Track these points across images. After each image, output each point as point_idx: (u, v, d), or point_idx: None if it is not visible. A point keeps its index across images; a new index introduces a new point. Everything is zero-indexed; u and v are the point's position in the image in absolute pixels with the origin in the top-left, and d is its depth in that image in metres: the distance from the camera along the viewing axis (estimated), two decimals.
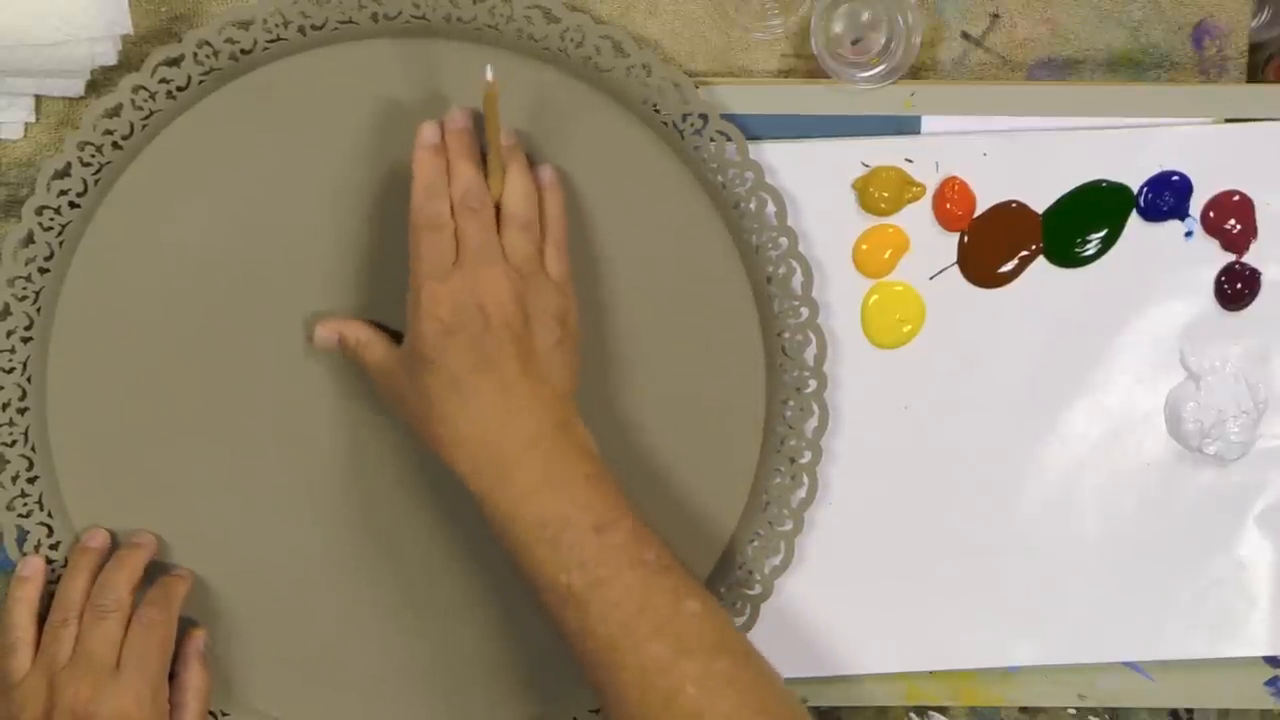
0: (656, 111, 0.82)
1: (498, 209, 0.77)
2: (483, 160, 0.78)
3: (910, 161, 0.84)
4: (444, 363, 0.74)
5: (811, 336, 0.83)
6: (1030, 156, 0.84)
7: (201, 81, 0.81)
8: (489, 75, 0.74)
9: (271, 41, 0.81)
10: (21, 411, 0.82)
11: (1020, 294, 0.85)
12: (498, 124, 0.76)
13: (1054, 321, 0.85)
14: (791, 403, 0.83)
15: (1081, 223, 0.85)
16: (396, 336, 0.79)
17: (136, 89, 0.81)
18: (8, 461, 0.82)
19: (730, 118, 0.83)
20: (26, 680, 0.77)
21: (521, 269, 0.75)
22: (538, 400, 0.74)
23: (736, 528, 0.84)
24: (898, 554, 0.85)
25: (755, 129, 0.83)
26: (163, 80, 0.81)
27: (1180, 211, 0.85)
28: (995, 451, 0.86)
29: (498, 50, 0.82)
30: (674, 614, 0.71)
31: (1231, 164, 0.85)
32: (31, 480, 0.82)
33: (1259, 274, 0.85)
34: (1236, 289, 0.85)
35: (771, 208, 0.82)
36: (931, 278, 0.85)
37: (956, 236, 0.85)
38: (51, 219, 0.81)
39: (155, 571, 0.81)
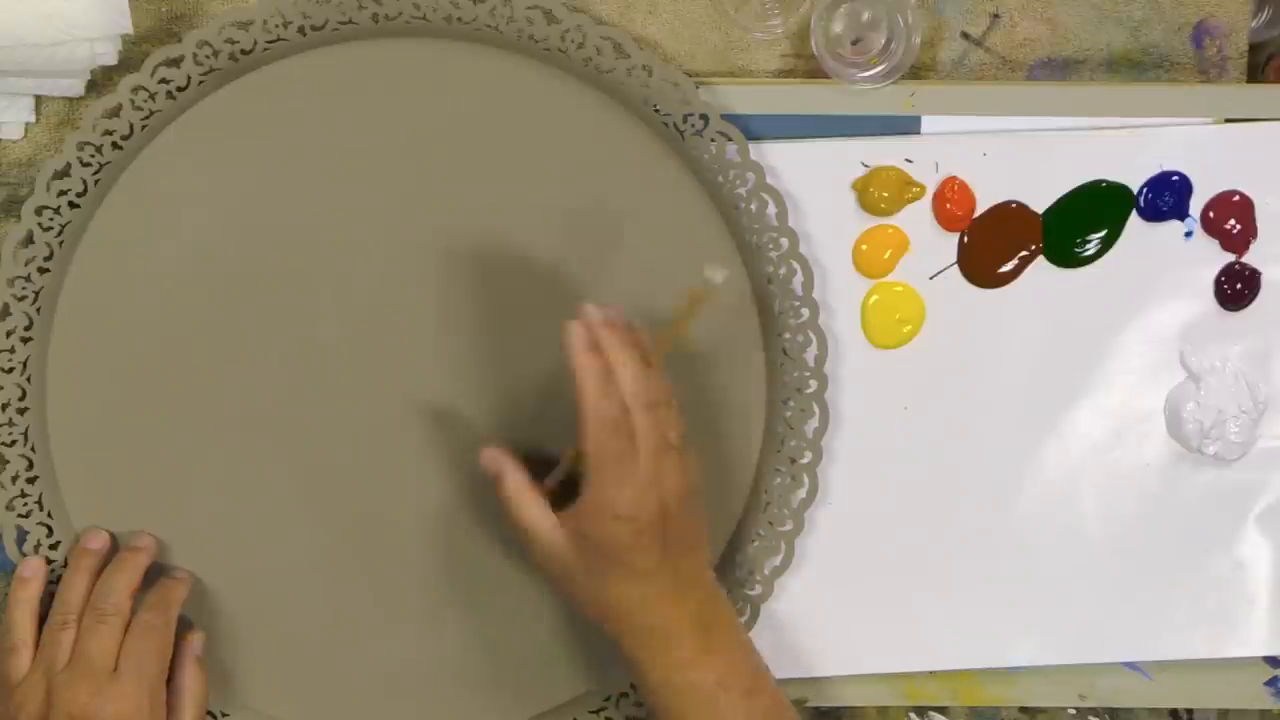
0: (657, 112, 0.82)
1: None
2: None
3: (910, 161, 0.84)
4: (631, 562, 0.74)
5: (812, 337, 0.83)
6: (1030, 156, 0.84)
7: (201, 82, 0.81)
8: (719, 278, 0.74)
9: (271, 41, 0.81)
10: (21, 411, 0.82)
11: (1020, 294, 0.85)
12: (691, 323, 0.76)
13: (1054, 321, 0.85)
14: (792, 403, 0.83)
15: (1081, 223, 0.85)
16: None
17: (136, 89, 0.81)
18: (7, 461, 0.82)
19: (731, 118, 0.82)
20: (25, 682, 0.77)
21: (682, 450, 0.75)
22: (697, 575, 0.77)
23: (736, 528, 0.84)
24: (898, 554, 0.85)
25: (756, 129, 0.83)
26: (163, 80, 0.81)
27: (1180, 211, 0.85)
28: (995, 451, 0.86)
29: (499, 51, 0.82)
30: None
31: (1231, 164, 0.85)
32: (31, 480, 0.82)
33: (1259, 274, 0.85)
34: (1236, 289, 0.85)
35: (772, 208, 0.82)
36: (931, 278, 0.85)
37: (956, 236, 0.85)
38: (51, 219, 0.81)
39: (154, 573, 0.81)
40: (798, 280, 0.83)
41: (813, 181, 0.84)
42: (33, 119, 0.83)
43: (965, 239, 0.85)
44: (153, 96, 0.81)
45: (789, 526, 0.83)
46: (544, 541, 0.76)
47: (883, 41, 0.83)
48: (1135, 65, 0.86)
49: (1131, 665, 0.87)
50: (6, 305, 0.81)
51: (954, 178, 0.84)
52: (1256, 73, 0.89)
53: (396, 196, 0.82)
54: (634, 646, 0.75)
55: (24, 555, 0.82)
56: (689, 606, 0.75)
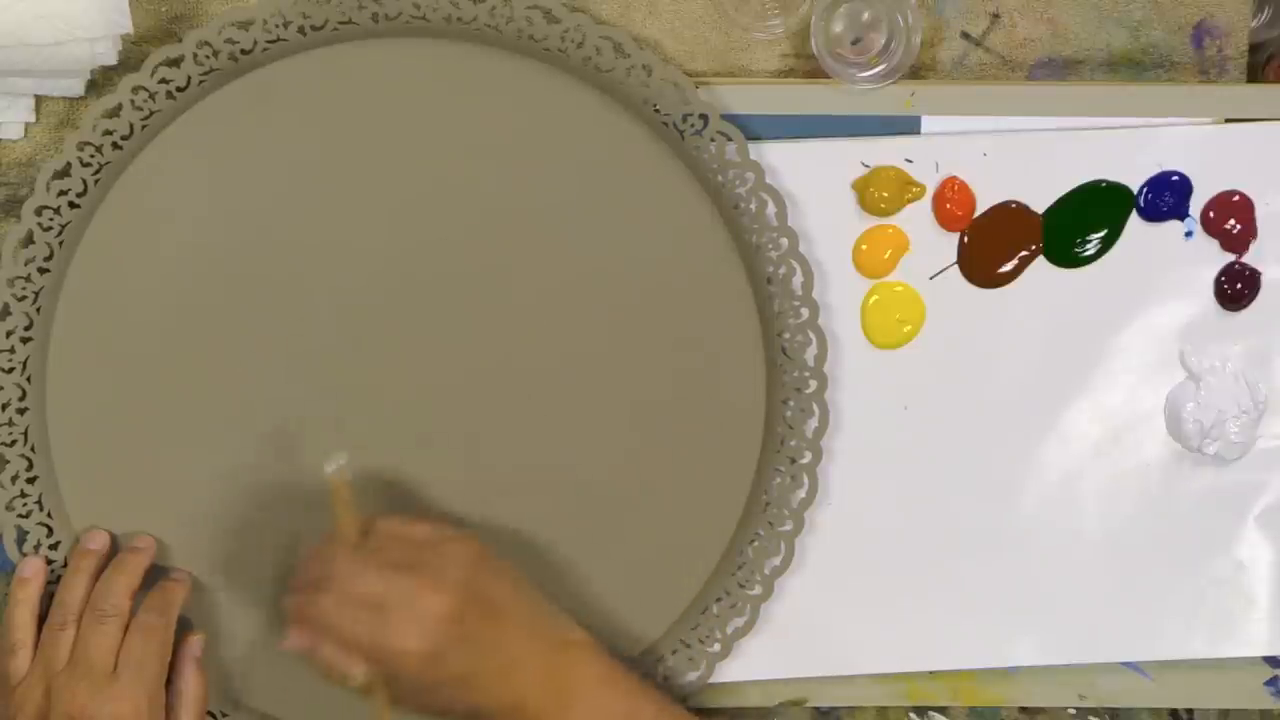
0: (657, 112, 0.82)
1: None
2: None
3: (910, 161, 0.84)
4: (437, 692, 0.73)
5: (812, 337, 0.83)
6: (1030, 156, 0.84)
7: (201, 81, 0.81)
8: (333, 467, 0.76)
9: (271, 42, 0.81)
10: (21, 411, 0.82)
11: (1020, 294, 0.85)
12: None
13: (1054, 321, 0.85)
14: (791, 403, 0.83)
15: (1081, 223, 0.85)
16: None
17: (136, 89, 0.81)
18: (7, 461, 0.82)
19: (730, 118, 0.82)
20: (25, 682, 0.77)
21: (428, 555, 0.75)
22: (517, 647, 0.75)
23: (736, 528, 0.84)
24: (898, 554, 0.85)
25: (755, 129, 0.83)
26: (163, 80, 0.81)
27: (1180, 211, 0.85)
28: (995, 451, 0.86)
29: (499, 51, 0.82)
30: None
31: (1231, 164, 0.85)
32: (31, 480, 0.82)
33: (1259, 274, 0.85)
34: (1236, 289, 0.85)
35: (772, 208, 0.82)
36: (931, 278, 0.85)
37: (956, 236, 0.85)
38: (51, 219, 0.81)
39: (154, 574, 0.81)
40: (797, 280, 0.83)
41: (813, 181, 0.84)
42: (33, 119, 0.83)
43: (965, 239, 0.85)
44: (153, 96, 0.81)
45: (789, 526, 0.83)
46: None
47: (883, 41, 0.83)
48: (1135, 65, 0.86)
49: (1131, 665, 0.87)
50: (6, 305, 0.81)
51: (954, 178, 0.84)
52: (1256, 73, 0.89)
53: (396, 196, 0.82)
54: None
55: (24, 555, 0.82)
56: (527, 677, 0.74)
